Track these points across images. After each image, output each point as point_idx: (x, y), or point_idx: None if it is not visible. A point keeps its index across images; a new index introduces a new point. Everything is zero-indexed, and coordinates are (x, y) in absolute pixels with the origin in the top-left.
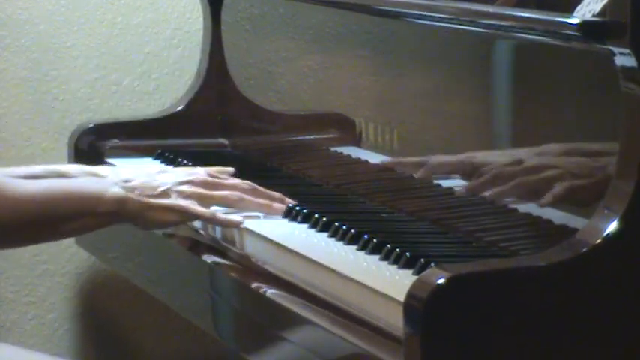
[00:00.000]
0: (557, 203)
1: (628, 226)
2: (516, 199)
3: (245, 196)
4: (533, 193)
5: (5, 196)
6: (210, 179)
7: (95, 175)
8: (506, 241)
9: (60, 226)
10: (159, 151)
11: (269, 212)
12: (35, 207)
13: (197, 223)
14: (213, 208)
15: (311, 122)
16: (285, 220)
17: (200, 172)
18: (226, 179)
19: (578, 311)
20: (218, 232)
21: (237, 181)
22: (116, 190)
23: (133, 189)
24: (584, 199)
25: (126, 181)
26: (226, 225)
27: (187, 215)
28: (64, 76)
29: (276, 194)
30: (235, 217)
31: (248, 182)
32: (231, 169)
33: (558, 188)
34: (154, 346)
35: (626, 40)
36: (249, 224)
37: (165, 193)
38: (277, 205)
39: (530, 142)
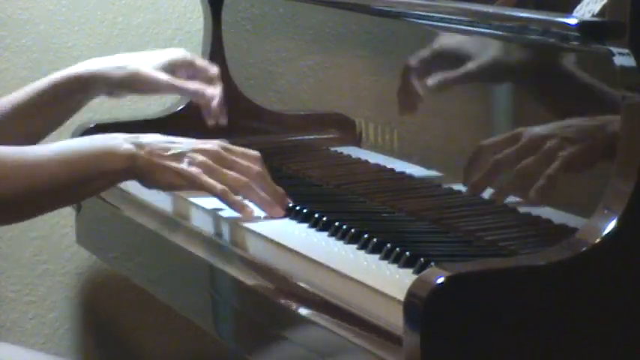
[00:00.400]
0: (556, 203)
1: (627, 225)
2: (516, 198)
3: (253, 185)
4: (532, 192)
5: (19, 164)
6: (223, 154)
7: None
8: (506, 241)
9: (79, 188)
10: None
11: (269, 211)
12: (51, 172)
13: (197, 222)
14: None
15: (311, 122)
16: (285, 220)
17: (214, 143)
18: (239, 156)
19: (578, 311)
20: (218, 231)
21: (249, 164)
22: (127, 146)
23: (143, 146)
24: (582, 198)
25: (136, 137)
26: (236, 207)
27: (196, 184)
28: None
29: (281, 191)
30: (244, 202)
31: (259, 170)
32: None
33: (557, 187)
34: (154, 345)
35: (626, 40)
36: (249, 224)
37: (176, 156)
38: (279, 208)
39: (529, 141)
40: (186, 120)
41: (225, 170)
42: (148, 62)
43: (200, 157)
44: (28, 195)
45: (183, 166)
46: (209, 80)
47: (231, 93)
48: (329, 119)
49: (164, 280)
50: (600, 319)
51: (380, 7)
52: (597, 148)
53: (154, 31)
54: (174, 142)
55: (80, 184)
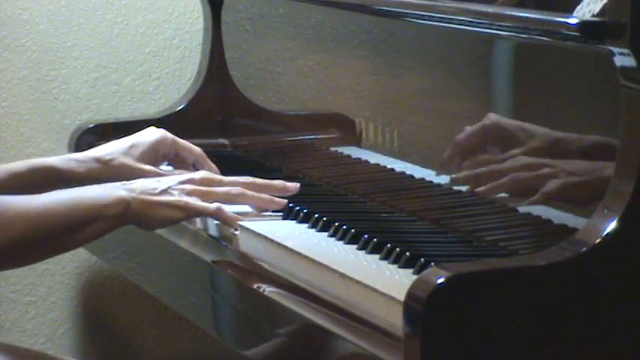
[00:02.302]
0: (555, 202)
1: (627, 225)
2: (516, 198)
3: (246, 191)
4: (531, 192)
5: (14, 214)
6: (210, 176)
7: (76, 159)
8: (505, 241)
9: (73, 236)
10: None
11: (271, 207)
12: (45, 221)
13: (198, 223)
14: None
15: (311, 122)
16: (285, 220)
17: (199, 172)
18: (224, 177)
19: (578, 311)
20: (218, 232)
21: (235, 178)
22: (120, 192)
23: (134, 189)
24: (582, 198)
25: (125, 184)
26: (229, 221)
27: (190, 211)
28: (64, 76)
29: (277, 182)
30: (238, 217)
31: (246, 177)
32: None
33: (556, 187)
34: (154, 346)
35: (626, 40)
36: (249, 224)
37: (166, 192)
38: (279, 200)
39: (529, 141)
40: (186, 120)
41: (216, 188)
42: (130, 153)
43: (189, 186)
44: (24, 244)
45: (175, 197)
46: (195, 160)
47: (231, 93)
48: (329, 119)
49: (164, 280)
50: (600, 319)
51: (380, 7)
52: (597, 147)
53: (153, 31)
54: (160, 180)
55: (76, 232)
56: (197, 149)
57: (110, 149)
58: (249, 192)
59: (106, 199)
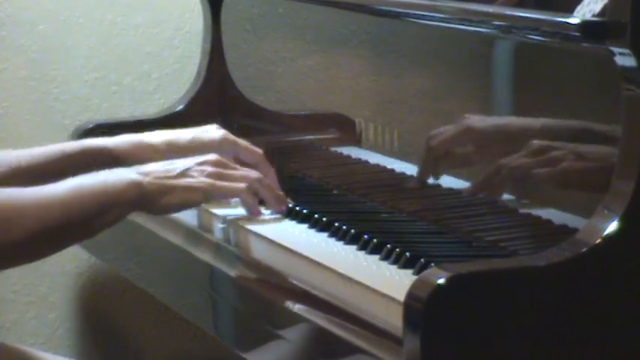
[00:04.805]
0: (555, 203)
1: (628, 226)
2: (516, 198)
3: (263, 180)
4: (531, 192)
5: (28, 207)
6: (225, 160)
7: (140, 142)
8: (506, 241)
9: (91, 223)
10: None
11: (276, 207)
12: (63, 210)
13: (196, 223)
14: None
15: (311, 122)
16: (285, 220)
17: (212, 154)
18: (243, 150)
19: (578, 311)
20: (218, 232)
21: (248, 170)
22: (133, 175)
23: (148, 173)
24: (582, 199)
25: (138, 167)
26: (250, 206)
27: (215, 192)
28: (63, 76)
29: (281, 195)
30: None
31: (257, 172)
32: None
33: (556, 187)
34: (154, 346)
35: (626, 40)
36: (249, 224)
37: (183, 174)
38: (279, 208)
39: (529, 141)
40: (186, 120)
41: (231, 172)
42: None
43: (208, 168)
44: (42, 235)
45: (195, 180)
46: (257, 162)
47: (231, 93)
48: (329, 119)
49: (164, 281)
50: (600, 320)
51: (380, 7)
52: (597, 148)
53: (153, 31)
54: (174, 163)
55: (93, 219)
56: (258, 151)
57: (167, 137)
58: (261, 184)
59: (120, 184)
